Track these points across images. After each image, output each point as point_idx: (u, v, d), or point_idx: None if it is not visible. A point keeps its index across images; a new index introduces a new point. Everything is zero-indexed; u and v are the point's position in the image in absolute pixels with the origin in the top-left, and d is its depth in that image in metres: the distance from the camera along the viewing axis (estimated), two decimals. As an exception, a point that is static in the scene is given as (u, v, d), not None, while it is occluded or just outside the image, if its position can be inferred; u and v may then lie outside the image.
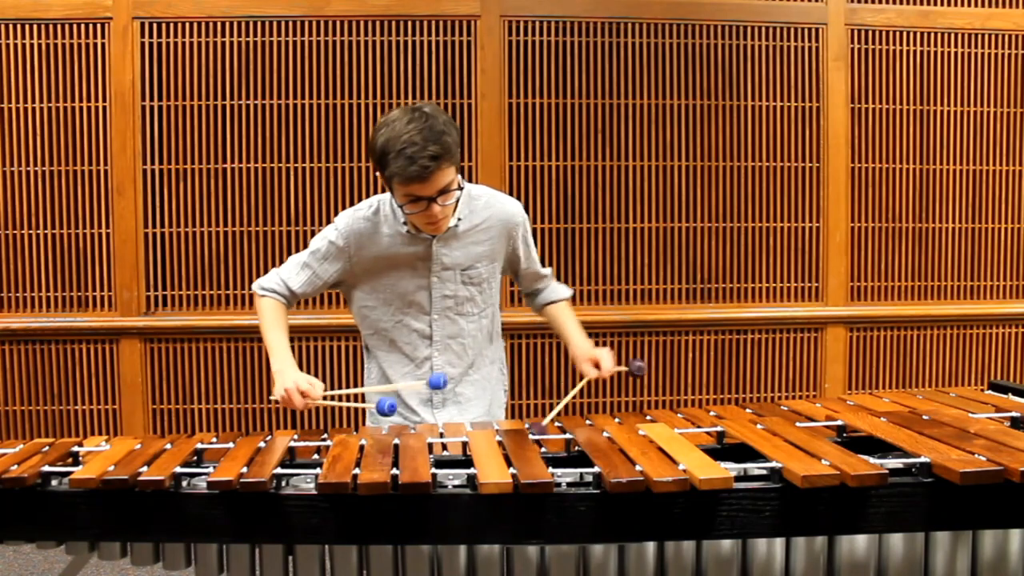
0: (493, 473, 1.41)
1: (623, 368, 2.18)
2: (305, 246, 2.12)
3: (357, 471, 1.43)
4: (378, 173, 1.90)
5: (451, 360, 2.09)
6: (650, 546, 1.45)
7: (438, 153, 1.80)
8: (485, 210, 2.07)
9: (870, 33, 3.70)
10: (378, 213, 2.03)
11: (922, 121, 3.76)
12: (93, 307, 3.58)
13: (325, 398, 1.92)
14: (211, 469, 1.51)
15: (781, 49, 3.68)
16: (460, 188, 1.94)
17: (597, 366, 2.09)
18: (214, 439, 1.72)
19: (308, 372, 3.52)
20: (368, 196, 3.54)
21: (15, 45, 3.49)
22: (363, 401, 2.21)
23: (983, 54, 3.75)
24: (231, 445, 1.64)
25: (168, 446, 1.63)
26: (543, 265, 2.26)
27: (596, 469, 1.42)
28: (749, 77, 3.67)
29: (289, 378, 1.89)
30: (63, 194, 3.54)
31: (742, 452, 1.57)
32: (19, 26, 3.48)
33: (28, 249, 3.55)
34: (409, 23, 3.55)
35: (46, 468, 1.49)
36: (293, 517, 1.41)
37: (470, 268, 2.05)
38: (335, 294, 3.54)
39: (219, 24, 3.51)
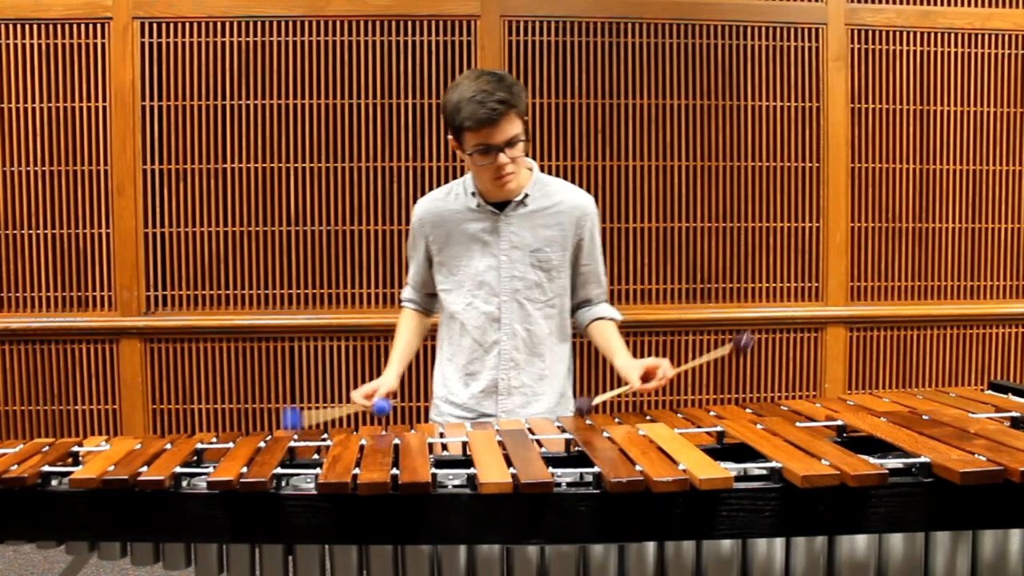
0: (493, 473, 1.41)
1: (683, 368, 2.05)
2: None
3: (357, 471, 1.42)
4: (450, 135, 2.01)
5: (518, 346, 2.11)
6: (650, 546, 1.44)
7: (506, 98, 1.91)
8: (556, 195, 2.12)
9: (870, 33, 3.70)
10: (449, 193, 2.16)
11: (922, 121, 3.76)
12: (93, 307, 3.58)
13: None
14: (211, 469, 1.51)
15: (781, 49, 3.68)
16: (525, 140, 2.00)
17: (646, 378, 2.07)
18: (214, 439, 1.72)
19: (307, 372, 3.58)
20: (370, 196, 3.58)
21: (15, 45, 3.49)
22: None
23: (983, 54, 3.75)
24: (231, 445, 1.64)
25: (168, 446, 1.63)
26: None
27: (596, 469, 1.41)
28: (749, 77, 3.67)
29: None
30: (63, 194, 3.54)
31: (742, 452, 1.57)
32: (19, 26, 3.48)
33: (28, 249, 3.55)
34: (409, 23, 3.55)
35: (46, 468, 1.49)
36: (293, 517, 1.41)
37: (539, 251, 2.09)
38: (334, 294, 3.55)
39: (219, 24, 3.51)
